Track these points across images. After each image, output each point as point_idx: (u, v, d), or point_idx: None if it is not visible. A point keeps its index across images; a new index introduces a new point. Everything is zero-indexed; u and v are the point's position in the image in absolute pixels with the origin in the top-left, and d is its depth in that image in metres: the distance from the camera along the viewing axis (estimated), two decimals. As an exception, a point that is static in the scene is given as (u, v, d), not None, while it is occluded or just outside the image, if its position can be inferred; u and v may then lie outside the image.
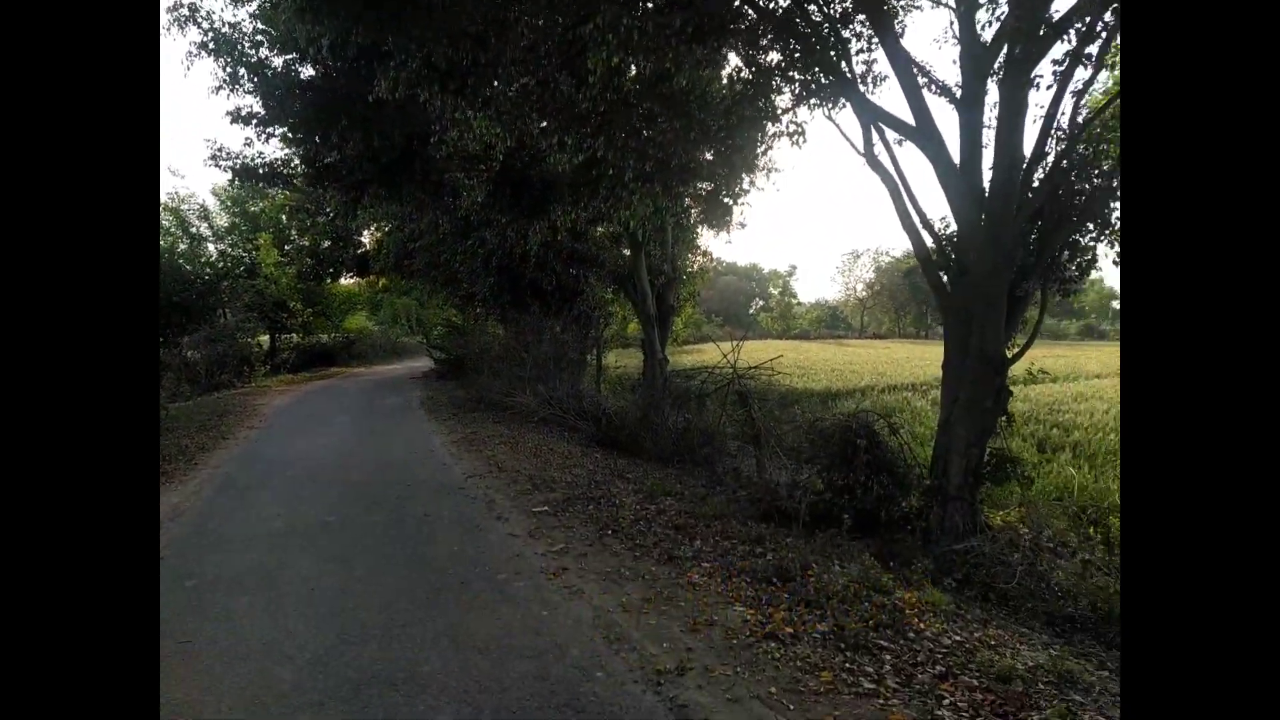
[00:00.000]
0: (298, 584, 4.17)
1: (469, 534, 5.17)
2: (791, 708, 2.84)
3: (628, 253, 13.03)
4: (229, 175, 11.69)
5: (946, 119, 27.56)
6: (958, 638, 3.55)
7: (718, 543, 4.99)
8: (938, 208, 29.87)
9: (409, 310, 31.18)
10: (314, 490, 6.44)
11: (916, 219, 6.21)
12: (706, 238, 16.20)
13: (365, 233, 23.36)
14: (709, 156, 8.76)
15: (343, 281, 27.65)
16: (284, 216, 23.50)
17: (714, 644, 3.39)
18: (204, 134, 46.14)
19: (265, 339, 23.43)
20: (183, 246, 20.46)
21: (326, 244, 22.87)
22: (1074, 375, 21.12)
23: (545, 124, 7.33)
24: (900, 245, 66.33)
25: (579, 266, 13.50)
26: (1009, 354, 5.98)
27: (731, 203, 11.27)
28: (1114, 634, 4.35)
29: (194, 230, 21.37)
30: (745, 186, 11.04)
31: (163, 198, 20.56)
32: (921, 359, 27.52)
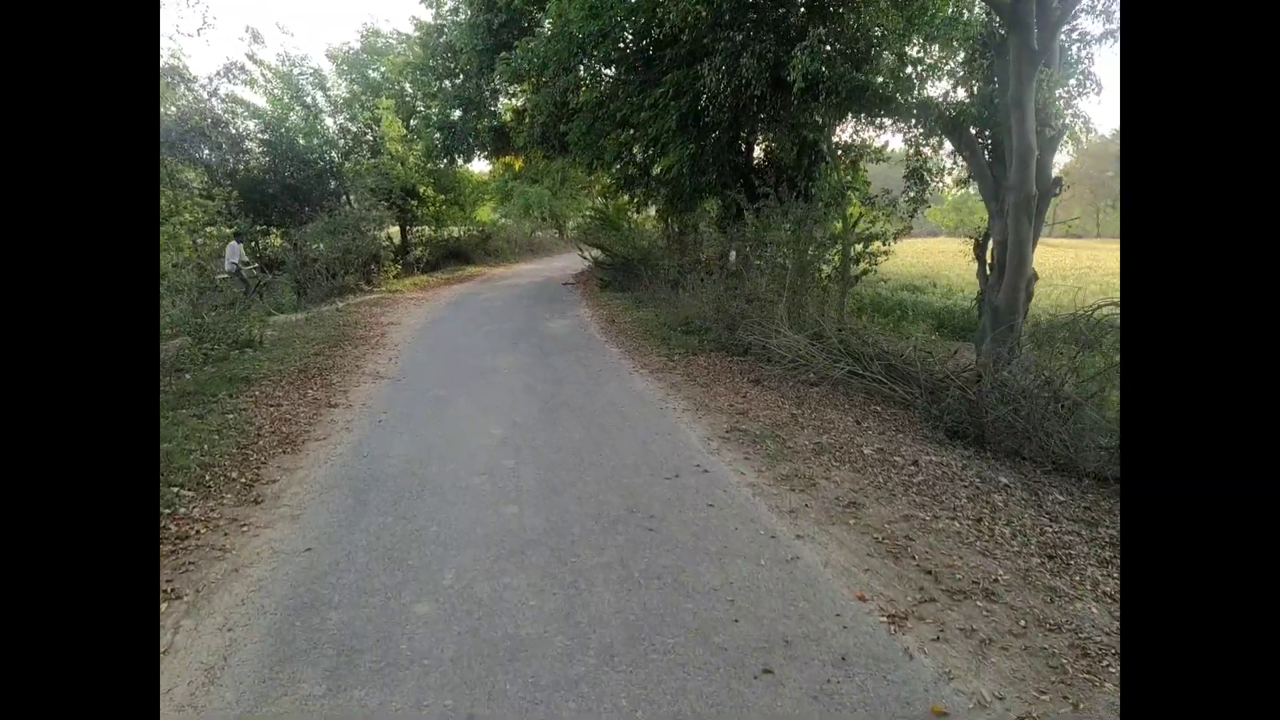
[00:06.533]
0: None
1: None
2: None
3: (962, 94, 7.66)
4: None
5: None
6: None
7: None
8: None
9: (541, 200, 27.34)
10: None
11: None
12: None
13: (502, 99, 18.92)
14: None
15: (472, 167, 23.68)
16: (407, 84, 19.42)
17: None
18: None
19: (395, 231, 20.12)
20: (295, 118, 16.89)
21: (457, 113, 18.56)
22: None
23: None
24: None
25: (859, 111, 8.33)
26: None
27: None
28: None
29: (308, 100, 17.76)
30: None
31: (271, 59, 17.01)
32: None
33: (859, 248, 8.57)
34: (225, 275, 12.14)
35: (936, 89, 8.42)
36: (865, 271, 8.45)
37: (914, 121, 7.68)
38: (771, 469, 4.27)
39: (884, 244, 8.38)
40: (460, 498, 3.73)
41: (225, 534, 3.27)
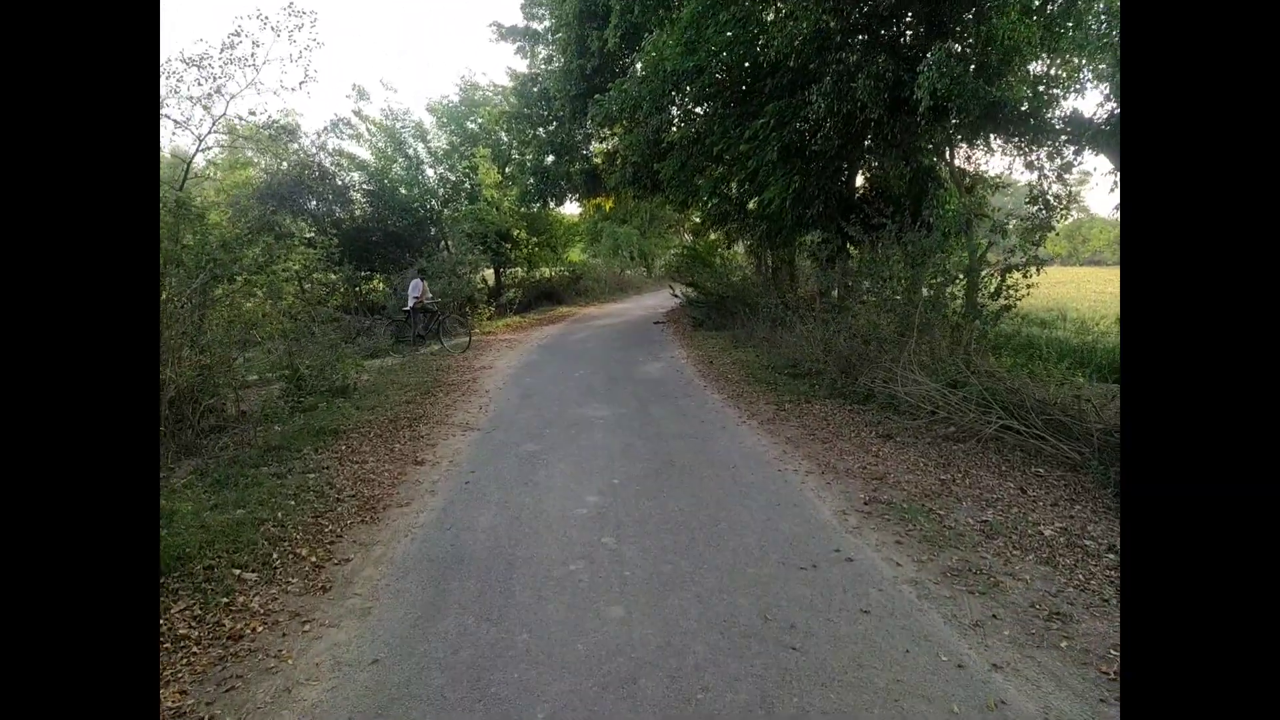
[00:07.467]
0: None
1: None
2: None
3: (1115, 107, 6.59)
4: None
5: None
6: None
7: None
8: None
9: (630, 239, 27.41)
10: None
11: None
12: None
13: (594, 142, 19.03)
14: None
15: (563, 209, 24.03)
16: (503, 132, 19.92)
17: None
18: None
19: (490, 274, 20.43)
20: (397, 169, 17.53)
21: (550, 159, 18.78)
22: None
23: None
24: None
25: (992, 131, 7.40)
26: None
27: None
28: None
29: (410, 151, 18.43)
30: None
31: (375, 114, 17.79)
32: None
33: (993, 281, 7.54)
34: (408, 309, 12.83)
35: (1063, 106, 7.37)
36: (1006, 307, 7.37)
37: (1059, 140, 6.63)
38: (934, 558, 3.41)
39: (1025, 275, 7.31)
40: (554, 592, 3.10)
41: (283, 634, 2.77)
